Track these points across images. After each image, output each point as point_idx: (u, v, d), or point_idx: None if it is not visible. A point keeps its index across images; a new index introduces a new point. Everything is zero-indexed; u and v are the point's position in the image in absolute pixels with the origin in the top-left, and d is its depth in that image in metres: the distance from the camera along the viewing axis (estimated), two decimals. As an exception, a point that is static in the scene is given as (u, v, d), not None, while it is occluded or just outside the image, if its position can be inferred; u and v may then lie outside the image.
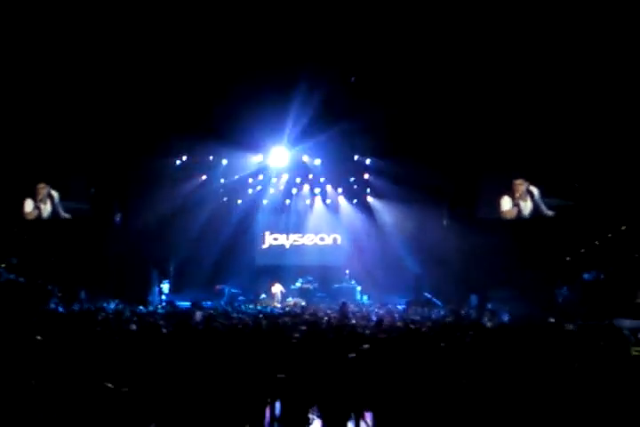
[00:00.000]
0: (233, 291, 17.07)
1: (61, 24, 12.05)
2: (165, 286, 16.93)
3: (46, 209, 16.68)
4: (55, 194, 16.69)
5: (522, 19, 11.91)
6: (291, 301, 16.22)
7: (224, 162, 17.19)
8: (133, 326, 7.66)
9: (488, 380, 5.31)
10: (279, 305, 15.49)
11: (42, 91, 14.19)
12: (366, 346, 6.15)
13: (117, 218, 16.88)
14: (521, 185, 15.78)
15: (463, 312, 11.36)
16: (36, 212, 16.65)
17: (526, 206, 15.78)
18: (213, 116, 14.68)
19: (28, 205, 16.66)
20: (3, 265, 14.62)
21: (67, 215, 16.59)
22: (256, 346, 6.27)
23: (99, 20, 12.03)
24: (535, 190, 15.69)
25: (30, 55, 12.95)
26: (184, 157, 16.86)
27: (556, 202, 15.49)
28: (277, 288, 16.89)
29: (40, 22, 12.03)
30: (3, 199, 16.07)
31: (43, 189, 16.66)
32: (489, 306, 12.69)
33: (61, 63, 13.41)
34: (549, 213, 15.53)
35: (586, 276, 13.44)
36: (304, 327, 7.10)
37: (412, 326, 7.89)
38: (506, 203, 15.90)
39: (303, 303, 15.33)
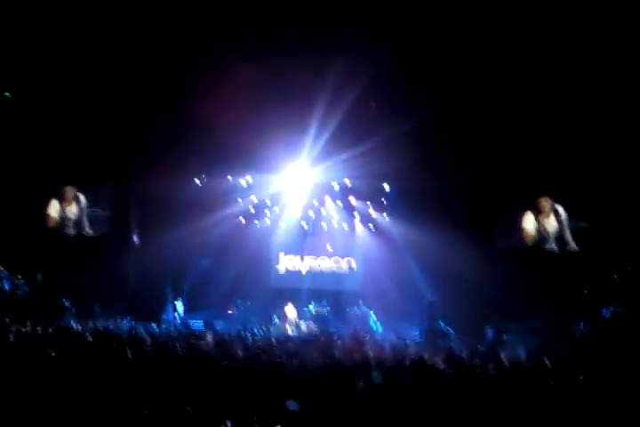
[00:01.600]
0: (243, 309, 16.91)
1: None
2: (179, 305, 16.91)
3: (71, 211, 16.65)
4: (82, 198, 16.73)
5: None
6: (303, 326, 16.07)
7: (242, 182, 17.29)
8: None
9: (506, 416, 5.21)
10: (292, 330, 15.35)
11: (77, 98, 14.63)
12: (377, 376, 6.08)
13: (134, 235, 16.98)
14: (546, 202, 15.50)
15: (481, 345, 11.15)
16: (62, 214, 16.59)
17: (550, 223, 15.41)
18: (231, 136, 14.83)
19: (54, 207, 16.60)
20: (20, 278, 14.73)
21: (89, 230, 16.69)
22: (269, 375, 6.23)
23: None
24: (561, 208, 15.41)
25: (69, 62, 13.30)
26: (202, 178, 16.96)
27: (579, 224, 15.24)
28: (291, 312, 16.78)
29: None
30: (27, 200, 16.09)
31: (70, 191, 16.69)
32: (505, 338, 12.49)
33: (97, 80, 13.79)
34: (570, 240, 15.27)
35: (604, 311, 13.21)
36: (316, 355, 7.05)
37: (425, 357, 7.79)
38: (528, 220, 15.57)
39: (317, 329, 15.21)
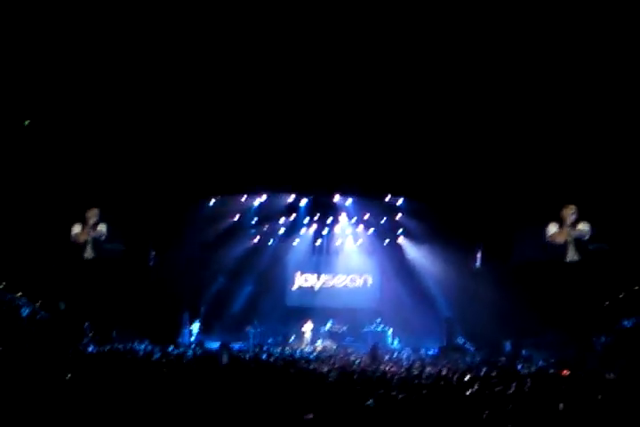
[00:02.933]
0: (259, 330, 16.77)
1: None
2: (196, 327, 16.90)
3: (92, 234, 16.42)
4: (103, 224, 16.74)
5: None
6: (320, 344, 15.97)
7: (256, 202, 17.32)
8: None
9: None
10: (308, 348, 15.23)
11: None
12: (400, 395, 6.02)
13: (151, 258, 17.02)
14: (570, 210, 15.29)
15: (499, 359, 11.00)
16: (83, 237, 16.45)
17: (572, 233, 15.17)
18: (245, 157, 14.95)
19: (77, 230, 16.48)
20: (38, 303, 14.81)
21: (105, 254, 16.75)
22: (285, 389, 6.23)
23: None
24: (585, 224, 15.22)
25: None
26: (217, 198, 17.01)
27: (600, 246, 15.05)
28: (308, 328, 16.68)
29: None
30: (48, 224, 16.15)
31: (93, 214, 16.60)
32: (523, 352, 12.32)
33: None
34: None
35: (625, 323, 12.99)
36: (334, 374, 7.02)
37: (443, 374, 7.72)
38: (553, 230, 15.37)
39: (334, 347, 15.10)
